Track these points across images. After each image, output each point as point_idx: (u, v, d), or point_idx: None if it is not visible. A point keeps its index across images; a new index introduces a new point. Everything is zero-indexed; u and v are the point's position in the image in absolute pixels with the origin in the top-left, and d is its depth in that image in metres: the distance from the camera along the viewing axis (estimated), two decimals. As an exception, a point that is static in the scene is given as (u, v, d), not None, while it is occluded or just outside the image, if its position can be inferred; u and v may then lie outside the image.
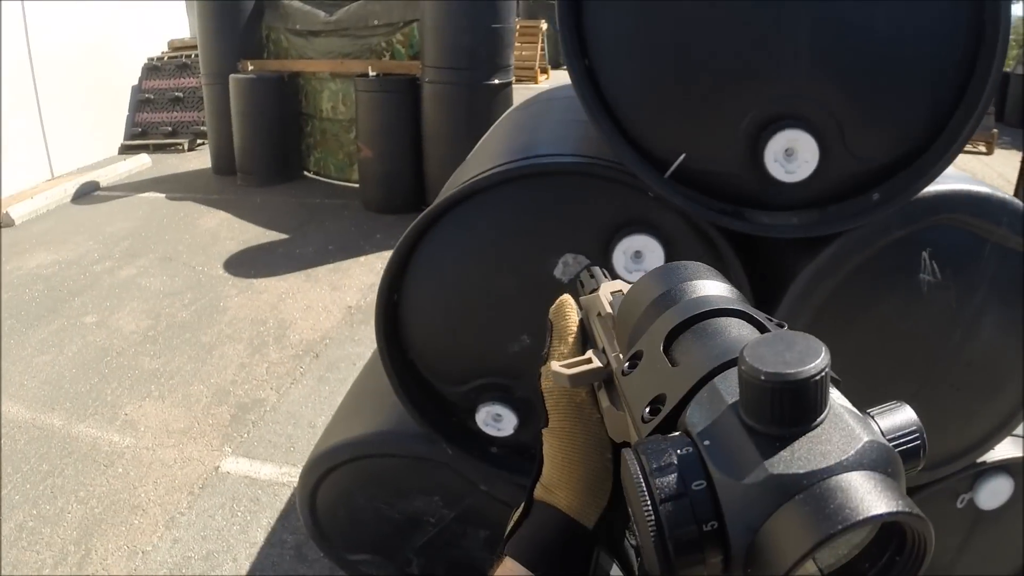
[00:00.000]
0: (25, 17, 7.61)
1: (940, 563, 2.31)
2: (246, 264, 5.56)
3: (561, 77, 2.93)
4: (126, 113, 9.33)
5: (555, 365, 0.58)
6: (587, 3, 1.58)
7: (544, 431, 0.62)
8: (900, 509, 0.35)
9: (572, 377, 0.57)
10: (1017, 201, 1.79)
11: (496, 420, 1.88)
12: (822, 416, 0.38)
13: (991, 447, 2.06)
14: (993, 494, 2.16)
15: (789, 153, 1.56)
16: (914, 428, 0.45)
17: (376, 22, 6.61)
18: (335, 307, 4.86)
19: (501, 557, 0.61)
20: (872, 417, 0.44)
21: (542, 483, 0.61)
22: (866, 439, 0.38)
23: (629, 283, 0.63)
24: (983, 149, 9.56)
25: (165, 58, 9.70)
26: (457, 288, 1.81)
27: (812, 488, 0.35)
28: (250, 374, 4.08)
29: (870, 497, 0.35)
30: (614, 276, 0.70)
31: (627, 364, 0.52)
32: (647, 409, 0.47)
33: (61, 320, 4.76)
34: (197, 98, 8.94)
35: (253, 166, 7.39)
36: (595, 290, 0.67)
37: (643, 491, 0.39)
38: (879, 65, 1.55)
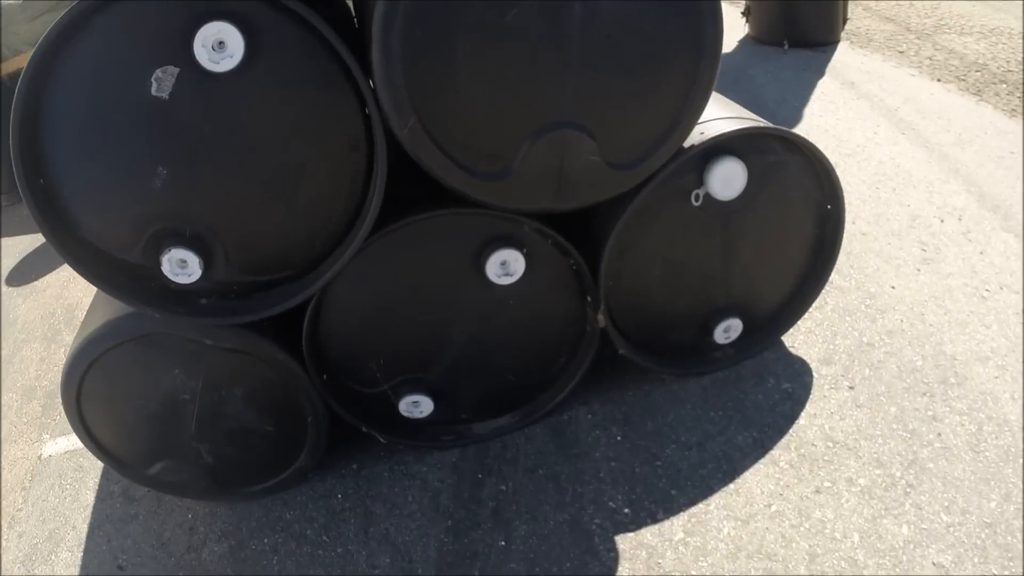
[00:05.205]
0: None
1: (711, 270, 2.19)
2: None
3: None
4: None
5: None
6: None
7: None
8: None
9: None
10: None
11: (182, 266, 1.89)
12: None
13: (686, 128, 1.90)
14: (727, 181, 2.01)
15: None
16: None
17: None
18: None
19: None
20: None
21: None
22: None
23: None
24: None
25: None
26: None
27: None
28: (51, 364, 3.99)
29: None
30: None
31: None
32: None
33: None
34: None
35: None
36: None
37: None
38: None
